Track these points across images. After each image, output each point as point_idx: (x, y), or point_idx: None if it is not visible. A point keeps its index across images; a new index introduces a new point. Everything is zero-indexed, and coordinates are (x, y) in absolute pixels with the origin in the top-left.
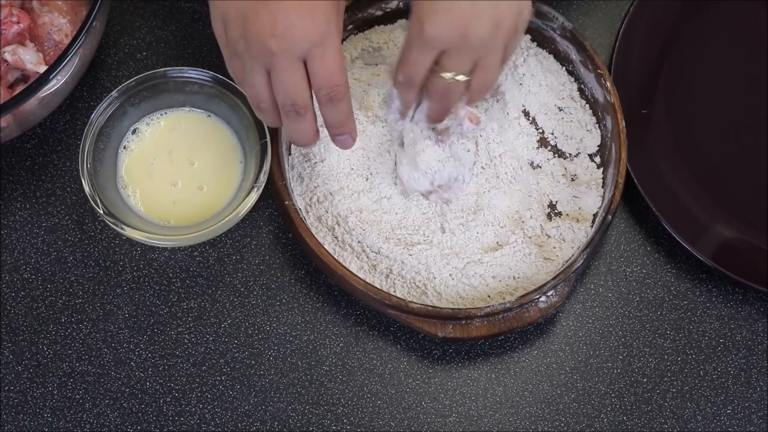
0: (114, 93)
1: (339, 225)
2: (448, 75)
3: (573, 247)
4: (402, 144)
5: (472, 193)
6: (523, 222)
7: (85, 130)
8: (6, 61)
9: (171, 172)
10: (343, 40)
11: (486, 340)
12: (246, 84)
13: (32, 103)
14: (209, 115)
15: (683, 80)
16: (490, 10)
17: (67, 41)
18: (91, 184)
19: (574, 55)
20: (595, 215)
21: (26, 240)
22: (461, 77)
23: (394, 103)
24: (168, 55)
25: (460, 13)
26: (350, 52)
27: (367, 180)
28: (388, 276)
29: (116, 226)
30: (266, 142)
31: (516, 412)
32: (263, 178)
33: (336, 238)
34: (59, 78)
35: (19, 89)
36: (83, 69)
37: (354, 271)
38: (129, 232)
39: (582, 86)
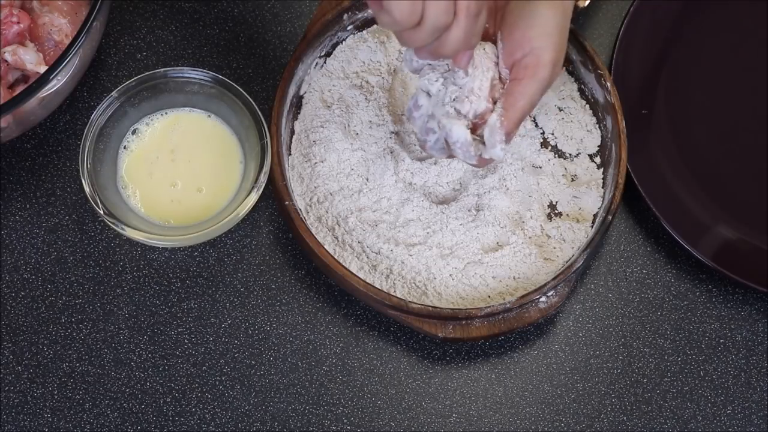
0: (114, 93)
1: (339, 225)
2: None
3: (573, 248)
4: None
5: (473, 194)
6: (524, 222)
7: (86, 130)
8: (6, 61)
9: (171, 173)
10: (343, 40)
11: (486, 341)
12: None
13: (32, 103)
14: (209, 115)
15: (683, 80)
16: None
17: (67, 41)
18: (91, 185)
19: (574, 55)
20: (595, 215)
21: (26, 240)
22: None
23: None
24: (168, 55)
25: None
26: (351, 52)
27: (367, 180)
28: (388, 276)
29: (116, 226)
30: (266, 142)
31: (516, 412)
32: (263, 178)
33: (336, 238)
34: (59, 78)
35: (19, 89)
36: (83, 69)
37: (354, 272)
38: (129, 233)
39: (582, 86)
